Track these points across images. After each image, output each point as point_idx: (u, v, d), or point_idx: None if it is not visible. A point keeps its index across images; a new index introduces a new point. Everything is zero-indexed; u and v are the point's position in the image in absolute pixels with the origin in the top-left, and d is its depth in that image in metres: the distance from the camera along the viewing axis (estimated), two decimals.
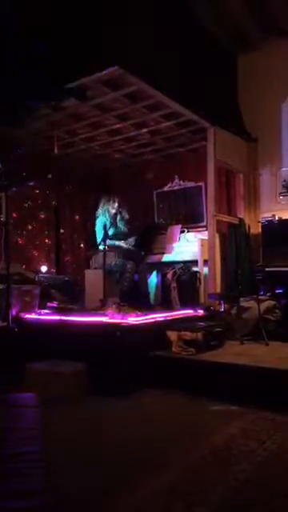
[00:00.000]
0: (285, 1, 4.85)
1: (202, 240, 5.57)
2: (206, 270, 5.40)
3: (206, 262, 5.41)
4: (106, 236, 4.83)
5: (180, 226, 6.19)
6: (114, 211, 5.19)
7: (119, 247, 5.05)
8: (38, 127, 5.25)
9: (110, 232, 4.98)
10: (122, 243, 5.07)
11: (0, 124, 4.51)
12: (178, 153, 6.43)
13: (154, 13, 4.30)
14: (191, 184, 6.36)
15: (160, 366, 3.51)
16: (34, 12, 3.74)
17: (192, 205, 6.32)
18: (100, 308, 4.38)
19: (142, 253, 5.34)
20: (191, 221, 6.25)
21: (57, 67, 3.93)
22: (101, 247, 4.98)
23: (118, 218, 5.22)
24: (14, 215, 5.92)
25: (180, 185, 6.54)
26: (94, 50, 3.82)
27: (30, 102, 4.31)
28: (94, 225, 5.40)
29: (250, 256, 5.24)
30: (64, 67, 3.93)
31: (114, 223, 5.14)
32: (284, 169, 5.48)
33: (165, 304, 5.47)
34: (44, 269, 6.07)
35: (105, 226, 5.05)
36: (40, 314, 4.45)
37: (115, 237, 5.11)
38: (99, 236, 5.13)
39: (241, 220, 5.61)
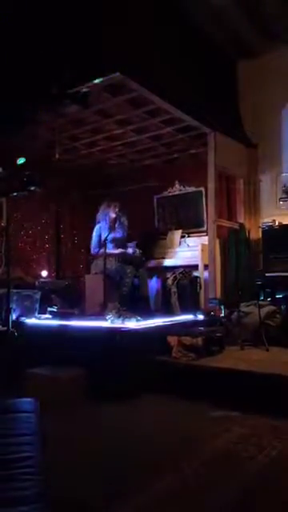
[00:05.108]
0: (284, 8, 4.88)
1: (203, 245, 5.58)
2: (206, 274, 5.40)
3: (206, 267, 5.41)
4: (101, 243, 4.85)
5: (180, 230, 6.21)
6: (114, 216, 5.19)
7: (119, 253, 5.04)
8: (39, 132, 5.28)
9: (110, 237, 4.98)
10: (119, 251, 5.07)
11: (2, 129, 4.53)
12: (179, 158, 6.46)
13: (154, 19, 4.33)
14: (192, 189, 6.38)
15: (160, 371, 3.51)
16: (36, 20, 3.76)
17: (192, 210, 6.33)
18: (100, 313, 4.37)
19: (143, 258, 5.34)
20: (191, 226, 6.25)
21: (58, 73, 3.95)
22: (99, 252, 4.99)
23: (118, 222, 5.22)
24: (15, 220, 5.93)
25: (180, 190, 6.55)
26: (95, 56, 3.84)
27: (31, 108, 4.33)
28: (94, 229, 5.40)
29: (250, 261, 5.24)
30: (65, 73, 3.96)
31: (113, 228, 5.15)
32: (284, 174, 5.50)
33: (165, 309, 5.46)
34: (44, 273, 6.08)
35: (100, 234, 5.07)
36: (40, 319, 4.45)
37: (114, 242, 5.11)
38: (95, 242, 5.14)
39: (241, 225, 5.62)
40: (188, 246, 6.03)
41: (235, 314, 4.39)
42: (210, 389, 3.20)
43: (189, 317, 4.60)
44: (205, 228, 5.96)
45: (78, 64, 3.91)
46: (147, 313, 4.61)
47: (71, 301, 5.16)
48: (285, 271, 4.58)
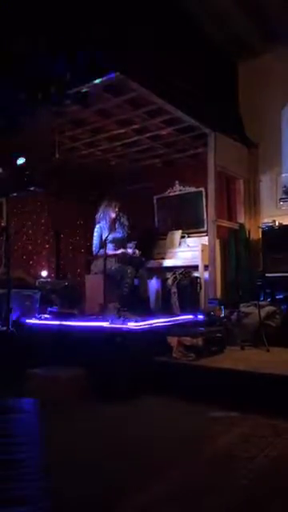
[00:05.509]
0: (284, 9, 4.88)
1: (203, 245, 5.57)
2: (206, 275, 5.40)
3: (206, 267, 5.41)
4: (103, 244, 4.85)
5: (180, 231, 6.21)
6: (113, 215, 5.18)
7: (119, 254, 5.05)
8: (39, 132, 5.27)
9: (110, 237, 4.98)
10: (120, 251, 5.07)
11: (2, 129, 4.53)
12: (179, 158, 6.46)
13: (154, 19, 4.32)
14: (192, 189, 6.38)
15: (160, 372, 3.50)
16: (36, 20, 3.76)
17: (192, 210, 6.33)
18: (100, 313, 4.37)
19: (143, 258, 5.34)
20: (192, 226, 6.26)
21: (58, 72, 3.95)
22: (100, 253, 4.99)
23: (118, 222, 5.22)
24: (15, 220, 5.93)
25: (180, 190, 6.55)
26: (95, 56, 3.84)
27: (32, 107, 4.32)
28: (94, 230, 5.40)
29: (250, 261, 5.24)
30: (65, 72, 3.95)
31: (113, 228, 5.14)
32: (284, 174, 5.48)
33: (165, 309, 5.46)
34: (44, 273, 6.08)
35: (101, 235, 5.07)
36: (40, 319, 4.45)
37: (114, 242, 5.10)
38: (96, 243, 5.14)
39: (241, 225, 5.62)
40: (188, 246, 6.04)
41: (235, 314, 4.39)
42: (210, 389, 3.20)
43: (189, 317, 4.60)
44: (205, 228, 5.96)
45: (78, 64, 3.90)
46: (147, 313, 4.61)
47: (71, 301, 5.16)
48: (285, 272, 4.58)
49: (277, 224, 5.12)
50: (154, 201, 6.78)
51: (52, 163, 5.46)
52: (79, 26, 3.87)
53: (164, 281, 5.81)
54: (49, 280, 5.80)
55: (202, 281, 5.52)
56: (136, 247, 5.25)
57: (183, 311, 5.11)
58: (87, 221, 6.50)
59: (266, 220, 5.41)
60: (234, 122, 5.82)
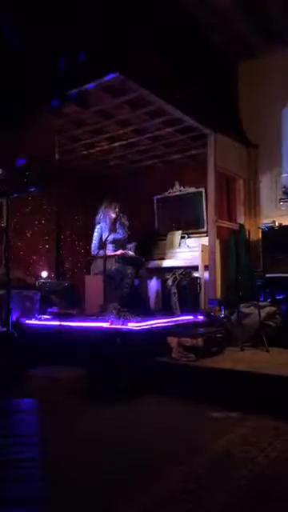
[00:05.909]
0: (284, 8, 4.88)
1: (203, 246, 5.58)
2: (206, 275, 5.40)
3: (206, 268, 5.41)
4: (102, 244, 4.85)
5: (180, 231, 6.21)
6: (114, 216, 5.19)
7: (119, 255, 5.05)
8: (39, 133, 5.27)
9: (110, 237, 4.98)
10: (119, 252, 5.08)
11: (1, 130, 4.53)
12: (179, 159, 6.46)
13: (154, 20, 4.33)
14: (192, 190, 6.38)
15: (160, 372, 3.50)
16: (36, 20, 3.76)
17: (192, 210, 6.33)
18: (100, 313, 4.37)
19: (143, 258, 5.34)
20: (192, 226, 6.26)
21: (58, 73, 3.96)
22: (99, 253, 5.00)
23: (119, 223, 5.22)
24: (15, 221, 5.93)
25: (180, 190, 6.55)
26: (95, 56, 3.84)
27: (32, 108, 4.33)
28: (94, 230, 5.41)
29: (250, 262, 5.24)
30: (65, 73, 3.96)
31: (114, 229, 5.14)
32: (284, 175, 5.48)
33: (165, 310, 5.46)
34: (44, 274, 6.08)
35: (101, 235, 5.08)
36: (40, 320, 4.45)
37: (115, 242, 5.11)
38: (95, 243, 5.14)
39: (241, 226, 5.62)
40: (188, 246, 6.04)
41: (235, 314, 4.39)
42: (210, 390, 3.20)
43: (189, 317, 4.60)
44: (205, 229, 5.96)
45: (78, 64, 3.91)
46: (147, 313, 4.61)
47: (71, 301, 5.16)
48: (285, 272, 4.58)
49: (277, 224, 5.12)
50: (154, 201, 6.78)
51: (52, 164, 5.46)
52: (79, 26, 3.88)
53: (164, 281, 5.81)
54: (49, 280, 5.80)
55: (202, 281, 5.52)
56: (136, 248, 5.24)
57: (183, 312, 5.11)
58: (87, 221, 6.49)
59: (265, 220, 5.41)
60: (234, 122, 5.83)
